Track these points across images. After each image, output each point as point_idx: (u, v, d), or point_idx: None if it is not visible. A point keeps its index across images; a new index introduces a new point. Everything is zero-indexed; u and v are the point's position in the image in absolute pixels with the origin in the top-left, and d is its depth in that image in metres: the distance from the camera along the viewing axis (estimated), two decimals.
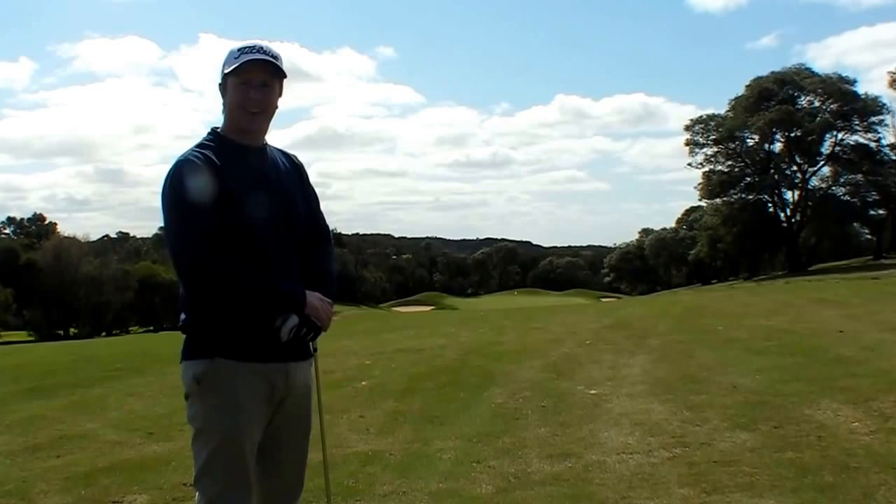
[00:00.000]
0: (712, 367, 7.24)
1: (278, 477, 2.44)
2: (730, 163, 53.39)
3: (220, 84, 2.40)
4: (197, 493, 2.36)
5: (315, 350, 2.47)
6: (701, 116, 54.59)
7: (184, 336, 2.39)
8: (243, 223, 2.30)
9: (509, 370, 7.83)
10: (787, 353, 7.74)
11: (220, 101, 2.43)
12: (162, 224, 2.38)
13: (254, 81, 2.34)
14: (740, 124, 50.80)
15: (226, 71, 2.36)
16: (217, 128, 2.44)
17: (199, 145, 2.36)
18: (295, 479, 2.51)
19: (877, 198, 48.89)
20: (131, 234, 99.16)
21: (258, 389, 2.34)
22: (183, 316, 2.37)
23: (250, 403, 2.32)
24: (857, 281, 26.71)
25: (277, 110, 2.46)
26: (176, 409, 6.54)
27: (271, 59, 2.35)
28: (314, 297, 2.34)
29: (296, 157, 2.59)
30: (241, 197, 2.30)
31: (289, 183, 2.49)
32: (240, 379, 2.30)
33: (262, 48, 2.37)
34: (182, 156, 2.32)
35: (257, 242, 2.32)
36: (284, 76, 2.41)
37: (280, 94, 2.44)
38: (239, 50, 2.36)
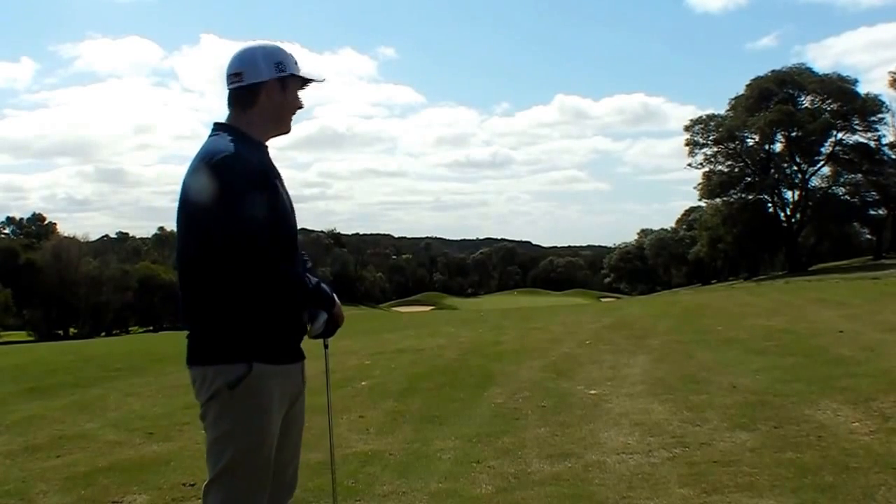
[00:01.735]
0: (712, 367, 7.24)
1: (276, 475, 2.45)
2: (730, 163, 53.37)
3: (277, 78, 2.36)
4: (212, 492, 2.31)
5: (327, 347, 2.53)
6: (701, 116, 54.64)
7: (192, 338, 2.32)
8: (285, 221, 2.32)
9: (509, 370, 7.83)
10: (787, 353, 7.74)
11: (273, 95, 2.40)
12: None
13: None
14: (740, 124, 50.78)
15: (296, 73, 2.40)
16: (222, 123, 2.39)
17: (232, 140, 2.29)
18: (292, 476, 2.53)
19: (877, 198, 48.90)
20: (131, 234, 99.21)
21: (287, 391, 2.37)
22: (199, 320, 2.29)
23: (278, 407, 2.34)
24: (857, 281, 26.71)
25: None
26: (176, 409, 6.55)
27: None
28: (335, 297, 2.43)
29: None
30: (280, 194, 2.33)
31: None
32: (273, 383, 2.30)
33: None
34: (221, 150, 2.24)
35: (292, 241, 2.36)
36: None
37: None
38: (291, 55, 2.42)
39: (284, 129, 2.48)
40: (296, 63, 2.42)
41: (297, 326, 2.37)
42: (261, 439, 2.29)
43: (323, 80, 2.49)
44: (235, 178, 2.19)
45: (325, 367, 2.54)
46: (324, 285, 2.40)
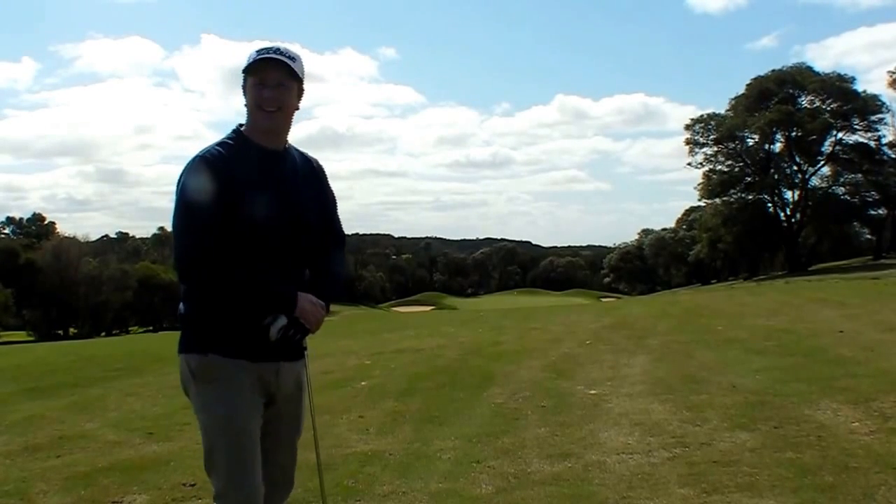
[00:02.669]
0: (712, 367, 7.24)
1: (265, 474, 2.46)
2: (730, 162, 53.38)
3: (242, 85, 2.45)
4: (210, 482, 2.43)
5: (306, 350, 2.49)
6: (701, 116, 54.66)
7: (180, 329, 2.47)
8: (246, 221, 2.33)
9: (509, 370, 7.82)
10: (786, 353, 7.74)
11: (243, 101, 2.47)
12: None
13: (269, 81, 2.39)
14: (740, 124, 50.78)
15: (243, 70, 2.42)
16: (242, 125, 2.48)
17: (219, 142, 2.43)
18: (283, 477, 2.55)
19: (877, 197, 48.91)
20: (131, 234, 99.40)
21: (253, 387, 2.40)
22: (181, 308, 2.44)
23: (245, 391, 2.37)
24: (857, 281, 26.71)
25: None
26: (176, 409, 6.54)
27: (287, 59, 2.39)
28: (305, 300, 2.37)
29: (316, 161, 2.64)
30: (246, 196, 2.34)
31: (303, 186, 2.51)
32: (231, 376, 2.36)
33: (279, 49, 2.42)
34: (199, 152, 2.39)
35: (259, 242, 2.36)
36: (299, 79, 2.44)
37: (300, 96, 2.48)
38: (257, 51, 2.42)
39: (263, 126, 2.43)
40: (254, 58, 2.40)
41: (256, 326, 2.32)
42: (229, 425, 2.34)
43: (273, 59, 2.38)
44: (181, 183, 2.33)
45: (308, 370, 2.53)
46: (284, 288, 2.34)
